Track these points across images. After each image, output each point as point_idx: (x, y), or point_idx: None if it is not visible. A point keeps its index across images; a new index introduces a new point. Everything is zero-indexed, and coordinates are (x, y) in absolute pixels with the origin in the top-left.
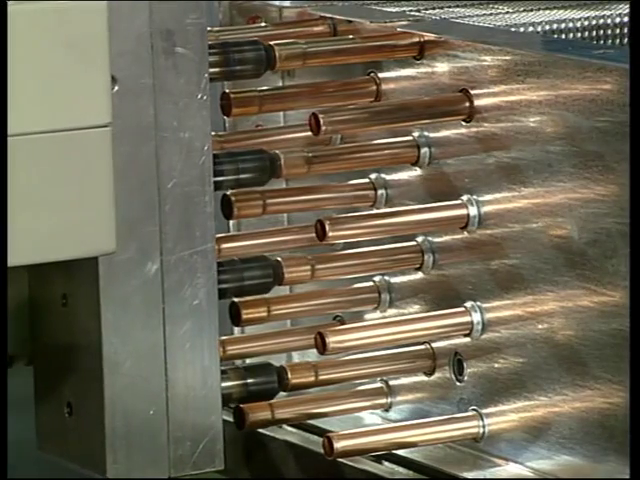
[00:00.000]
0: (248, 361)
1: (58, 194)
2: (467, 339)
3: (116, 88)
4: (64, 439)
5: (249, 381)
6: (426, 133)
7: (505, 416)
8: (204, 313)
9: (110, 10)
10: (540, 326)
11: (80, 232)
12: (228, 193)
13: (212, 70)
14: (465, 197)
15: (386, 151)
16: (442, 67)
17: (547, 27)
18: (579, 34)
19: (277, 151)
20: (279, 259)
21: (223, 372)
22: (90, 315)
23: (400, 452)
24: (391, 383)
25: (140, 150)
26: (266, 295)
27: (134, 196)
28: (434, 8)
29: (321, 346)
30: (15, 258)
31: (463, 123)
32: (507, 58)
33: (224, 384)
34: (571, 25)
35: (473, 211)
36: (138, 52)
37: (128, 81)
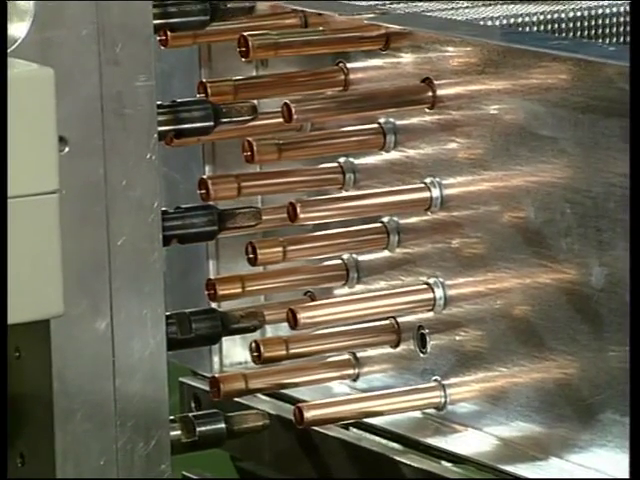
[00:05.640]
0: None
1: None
2: (430, 314)
3: (67, 149)
4: None
5: (198, 429)
6: (392, 120)
7: (466, 386)
8: (154, 364)
9: (61, 74)
10: (499, 301)
11: (28, 296)
12: (204, 177)
13: (161, 129)
14: (428, 180)
15: (354, 137)
16: (407, 58)
17: (505, 21)
18: (535, 28)
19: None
20: (226, 311)
21: (172, 421)
22: (42, 368)
23: (367, 419)
24: (359, 355)
25: (90, 208)
26: (241, 272)
27: (85, 253)
28: (399, 2)
29: (292, 322)
30: None
31: (427, 110)
32: (468, 49)
33: (173, 433)
34: (527, 19)
35: (436, 193)
36: (88, 114)
37: (78, 142)
